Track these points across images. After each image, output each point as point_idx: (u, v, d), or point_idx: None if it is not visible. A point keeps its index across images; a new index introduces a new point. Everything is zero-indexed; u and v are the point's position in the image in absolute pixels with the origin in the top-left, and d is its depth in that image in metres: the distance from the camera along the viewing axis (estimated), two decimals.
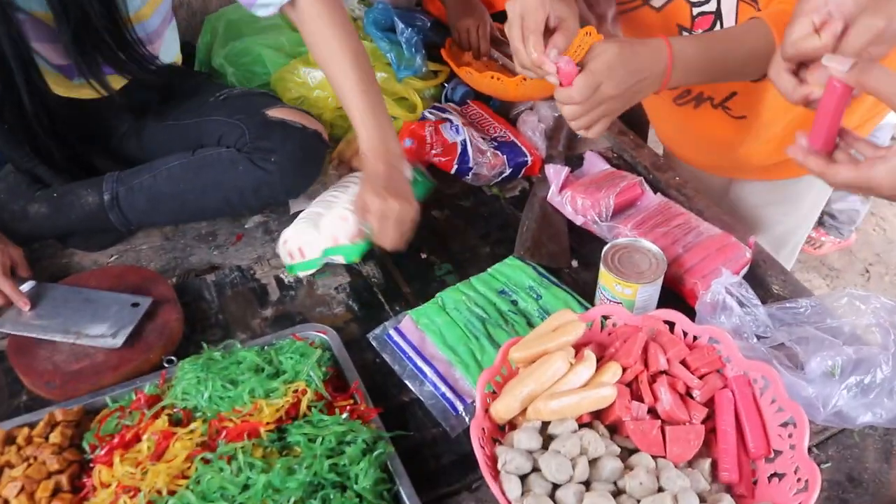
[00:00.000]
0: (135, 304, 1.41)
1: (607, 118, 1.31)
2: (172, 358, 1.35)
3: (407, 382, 1.32)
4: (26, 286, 1.44)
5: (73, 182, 1.59)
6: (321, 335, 1.34)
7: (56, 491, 1.14)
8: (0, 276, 1.40)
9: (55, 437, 1.19)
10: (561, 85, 1.28)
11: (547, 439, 1.11)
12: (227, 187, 1.56)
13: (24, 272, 1.48)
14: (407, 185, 1.47)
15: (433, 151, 1.72)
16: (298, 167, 1.57)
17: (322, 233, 1.49)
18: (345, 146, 1.78)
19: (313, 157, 1.61)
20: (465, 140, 1.72)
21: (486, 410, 1.15)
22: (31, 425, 1.23)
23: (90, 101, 1.61)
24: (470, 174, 1.72)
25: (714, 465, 1.13)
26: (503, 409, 1.14)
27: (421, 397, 1.29)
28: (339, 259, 1.51)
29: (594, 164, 1.74)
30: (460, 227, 1.66)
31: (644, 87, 1.29)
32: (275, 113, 1.59)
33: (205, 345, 1.32)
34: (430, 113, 1.83)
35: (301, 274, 1.52)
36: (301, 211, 1.57)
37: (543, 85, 1.77)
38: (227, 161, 1.55)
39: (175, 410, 1.20)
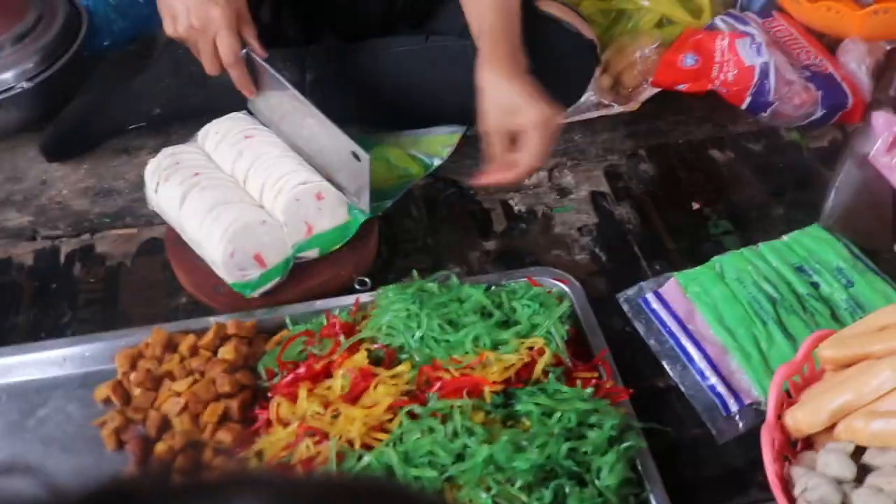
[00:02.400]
0: (355, 156, 1.35)
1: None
2: (367, 280, 1.39)
3: (664, 364, 1.30)
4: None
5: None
6: (561, 285, 1.34)
7: (224, 418, 1.19)
8: (226, 31, 1.35)
9: (227, 352, 1.24)
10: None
11: (860, 470, 1.07)
12: (465, 91, 1.47)
13: (250, 34, 1.40)
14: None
15: (722, 75, 1.67)
16: (562, 81, 1.54)
17: (290, 222, 1.36)
18: (615, 55, 1.74)
19: (582, 72, 1.61)
20: (766, 64, 1.65)
21: (779, 417, 1.11)
22: (197, 334, 1.29)
23: None
24: (768, 111, 1.66)
25: None
26: (804, 419, 1.10)
27: (681, 385, 1.27)
28: (313, 253, 1.39)
29: None
30: (746, 176, 1.63)
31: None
32: (546, 6, 1.58)
33: (415, 272, 1.34)
34: (723, 21, 1.76)
35: (259, 292, 1.35)
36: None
37: None
38: (471, 57, 1.53)
39: (376, 347, 1.22)
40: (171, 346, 1.28)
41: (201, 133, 1.48)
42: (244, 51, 1.39)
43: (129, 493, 0.39)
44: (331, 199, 1.37)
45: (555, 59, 1.54)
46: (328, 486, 0.42)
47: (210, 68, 1.39)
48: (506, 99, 1.34)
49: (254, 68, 1.42)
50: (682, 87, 1.69)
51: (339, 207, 1.38)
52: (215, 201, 1.35)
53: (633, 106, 1.72)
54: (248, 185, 1.39)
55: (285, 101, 1.42)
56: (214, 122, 1.48)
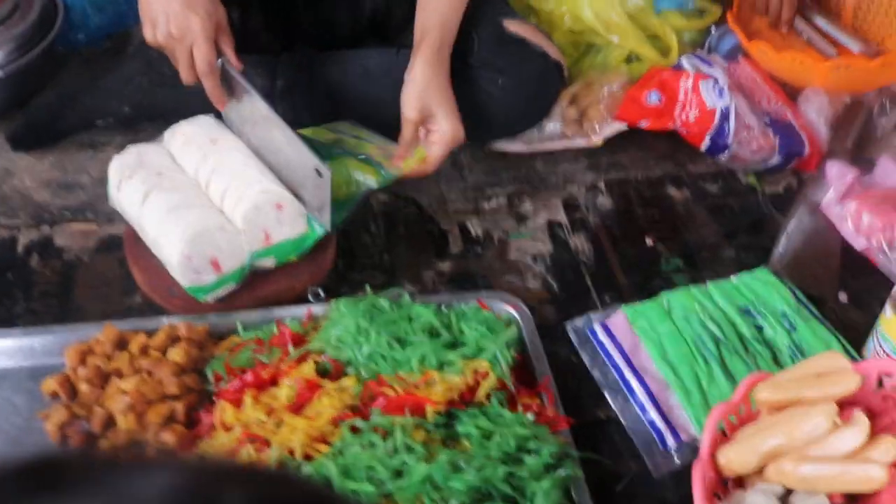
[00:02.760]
0: (317, 172, 1.36)
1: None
2: (320, 292, 1.40)
3: (606, 395, 1.31)
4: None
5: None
6: (511, 310, 1.35)
7: (169, 419, 1.19)
8: (203, 41, 1.37)
9: (176, 354, 1.25)
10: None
11: None
12: None
13: (227, 44, 1.42)
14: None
15: (684, 115, 1.69)
16: (529, 100, 1.59)
17: (249, 230, 1.35)
18: (583, 89, 1.76)
19: (547, 92, 1.63)
20: (728, 108, 1.68)
21: (713, 455, 1.13)
22: (149, 333, 1.29)
23: None
24: (726, 153, 1.69)
25: None
26: (736, 459, 1.12)
27: (621, 418, 1.29)
28: (269, 262, 1.40)
29: (890, 173, 1.68)
30: (701, 216, 1.64)
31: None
32: (514, 28, 1.61)
33: (368, 287, 1.35)
34: (688, 62, 1.79)
35: (213, 297, 1.36)
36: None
37: (866, 77, 1.76)
38: None
39: (324, 359, 1.23)
40: (121, 344, 1.28)
41: (168, 133, 1.49)
42: (219, 60, 1.40)
43: (54, 464, 0.40)
44: (290, 210, 1.38)
45: (521, 79, 1.57)
46: (231, 471, 0.43)
47: (186, 77, 1.41)
48: (427, 100, 1.45)
49: (228, 77, 1.43)
50: (645, 124, 1.72)
51: (299, 219, 1.39)
52: (176, 203, 1.35)
53: (597, 141, 1.74)
54: (210, 190, 1.39)
55: (256, 112, 1.43)
56: (182, 123, 1.49)
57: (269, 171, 1.41)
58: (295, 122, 1.56)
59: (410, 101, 1.45)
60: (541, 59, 1.60)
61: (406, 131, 1.47)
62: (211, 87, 1.41)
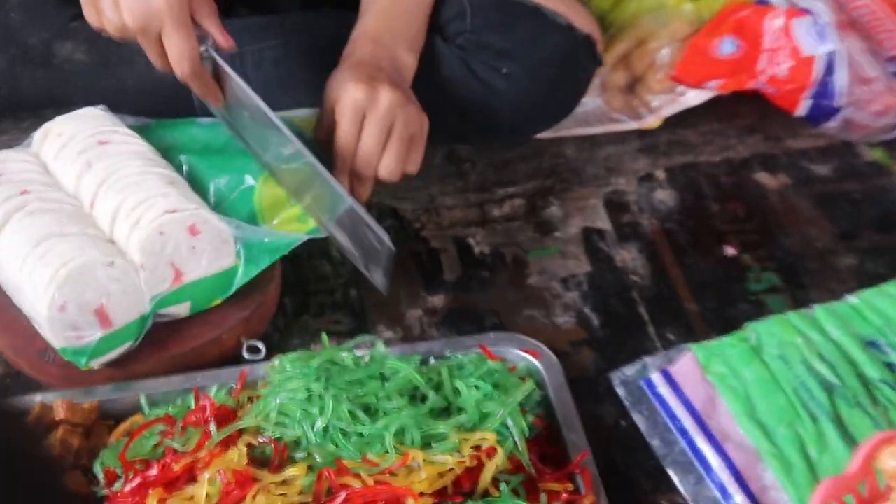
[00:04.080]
0: (371, 232, 1.38)
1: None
2: (259, 346, 1.40)
3: (671, 473, 1.30)
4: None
5: None
6: (530, 358, 1.34)
7: None
8: (174, 27, 1.33)
9: (52, 447, 1.24)
10: None
11: None
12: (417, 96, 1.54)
13: (209, 16, 1.40)
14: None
15: (772, 68, 1.69)
16: (547, 92, 1.59)
17: (151, 265, 1.35)
18: (634, 47, 1.76)
19: (573, 79, 1.64)
20: (833, 55, 1.68)
21: None
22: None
23: None
24: (835, 119, 1.68)
25: None
26: None
27: None
28: (183, 310, 1.40)
29: None
30: (805, 211, 1.65)
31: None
32: None
33: (324, 336, 1.34)
34: None
35: (100, 362, 1.36)
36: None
37: None
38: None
39: (261, 441, 1.22)
40: None
41: (38, 134, 1.49)
42: (204, 47, 1.39)
43: None
44: (210, 235, 1.37)
45: (535, 64, 1.56)
46: None
47: (163, 69, 1.40)
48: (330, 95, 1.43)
49: (215, 67, 1.43)
50: (716, 85, 1.71)
51: (223, 246, 1.38)
52: (45, 232, 1.34)
53: (653, 122, 1.74)
54: (97, 211, 1.39)
55: (255, 115, 1.44)
56: (59, 119, 1.49)
57: (181, 180, 1.41)
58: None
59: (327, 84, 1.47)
60: (563, 34, 1.59)
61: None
62: (199, 87, 1.42)
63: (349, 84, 1.39)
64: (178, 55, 1.35)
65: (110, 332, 1.34)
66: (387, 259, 1.36)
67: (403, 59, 1.50)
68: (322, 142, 1.45)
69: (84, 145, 1.44)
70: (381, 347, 1.32)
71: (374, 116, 1.39)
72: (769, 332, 1.40)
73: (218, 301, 1.41)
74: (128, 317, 1.35)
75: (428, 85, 1.54)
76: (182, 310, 1.39)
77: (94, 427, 1.29)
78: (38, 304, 1.31)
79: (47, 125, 1.49)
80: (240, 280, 1.40)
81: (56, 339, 1.32)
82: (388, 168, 1.42)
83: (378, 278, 1.40)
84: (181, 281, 1.37)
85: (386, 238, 1.33)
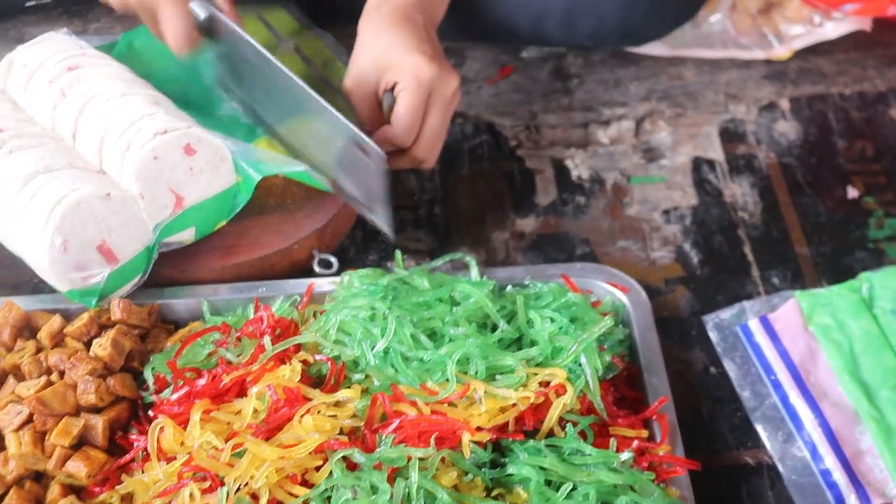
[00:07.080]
0: (361, 149, 1.37)
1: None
2: (331, 259, 1.39)
3: (759, 428, 1.27)
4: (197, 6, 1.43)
5: None
6: (617, 293, 1.32)
7: (81, 442, 1.18)
8: (168, 4, 1.38)
9: (102, 347, 1.24)
10: None
11: None
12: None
13: None
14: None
15: None
16: None
17: (149, 192, 1.33)
18: None
19: None
20: None
21: None
22: (67, 316, 1.29)
23: None
24: None
25: None
26: None
27: (780, 465, 1.24)
28: (187, 236, 1.38)
29: None
30: None
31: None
32: None
33: (398, 254, 1.34)
34: None
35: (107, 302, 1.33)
36: None
37: None
38: None
39: (318, 358, 1.21)
40: (27, 329, 1.28)
41: (2, 66, 1.46)
42: (205, 16, 1.40)
43: None
44: (207, 153, 1.34)
45: None
46: None
47: (163, 43, 1.42)
48: (377, 51, 1.40)
49: (219, 29, 1.43)
50: (852, 9, 1.65)
51: (221, 164, 1.36)
52: (29, 171, 1.30)
53: (783, 54, 1.70)
54: (80, 142, 1.36)
55: (266, 77, 1.43)
56: (20, 48, 1.46)
57: (166, 99, 1.39)
58: None
59: (348, 67, 1.44)
60: None
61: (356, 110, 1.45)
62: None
63: (419, 57, 1.37)
64: (172, 34, 1.37)
65: (117, 268, 1.31)
66: (381, 176, 1.33)
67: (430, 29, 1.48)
68: (349, 92, 1.42)
69: (53, 73, 1.41)
70: (473, 267, 1.32)
71: (442, 100, 1.38)
72: (884, 283, 1.36)
73: (223, 223, 1.39)
74: (133, 250, 1.32)
75: None
76: (187, 236, 1.37)
77: (152, 331, 1.29)
78: (35, 249, 1.28)
79: (9, 56, 1.46)
80: (242, 197, 1.38)
81: (61, 282, 1.29)
82: (436, 153, 1.42)
83: (381, 217, 1.38)
84: (182, 206, 1.35)
85: (377, 148, 1.32)
